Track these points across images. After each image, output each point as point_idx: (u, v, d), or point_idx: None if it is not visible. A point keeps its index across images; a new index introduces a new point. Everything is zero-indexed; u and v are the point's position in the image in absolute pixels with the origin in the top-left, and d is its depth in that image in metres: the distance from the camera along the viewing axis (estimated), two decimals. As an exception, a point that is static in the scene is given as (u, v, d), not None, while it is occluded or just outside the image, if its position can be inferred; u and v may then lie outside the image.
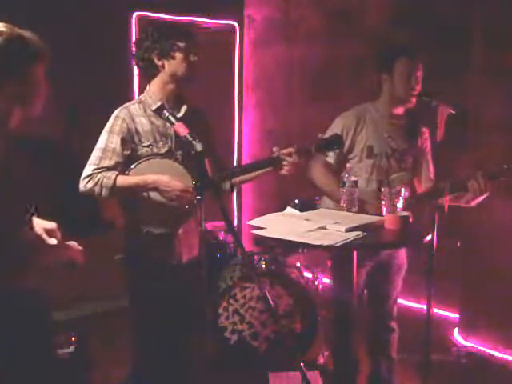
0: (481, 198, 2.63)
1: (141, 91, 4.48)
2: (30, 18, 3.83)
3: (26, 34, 1.81)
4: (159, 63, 2.48)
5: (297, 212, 2.46)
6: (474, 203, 2.65)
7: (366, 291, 2.99)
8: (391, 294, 3.01)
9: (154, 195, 2.43)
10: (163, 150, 2.48)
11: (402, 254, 3.00)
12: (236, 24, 5.04)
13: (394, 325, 3.03)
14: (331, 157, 2.82)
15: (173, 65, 2.48)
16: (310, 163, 2.86)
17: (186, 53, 2.48)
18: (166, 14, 4.38)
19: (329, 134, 2.60)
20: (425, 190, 2.90)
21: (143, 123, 2.48)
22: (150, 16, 4.45)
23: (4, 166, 1.78)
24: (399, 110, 2.87)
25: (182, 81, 2.52)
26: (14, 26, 1.81)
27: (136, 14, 4.42)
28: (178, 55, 2.47)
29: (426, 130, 2.95)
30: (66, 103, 3.77)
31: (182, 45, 2.47)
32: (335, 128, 2.85)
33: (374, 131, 2.85)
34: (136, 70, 4.33)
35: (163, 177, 2.38)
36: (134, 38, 4.38)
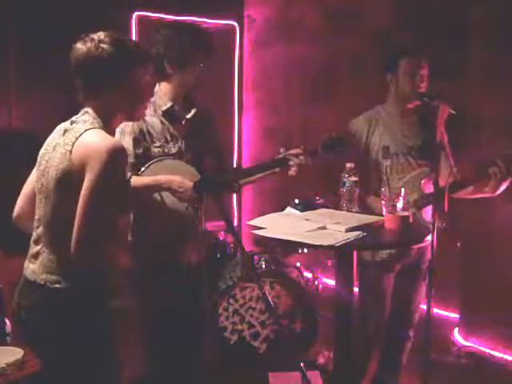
0: (505, 185, 2.64)
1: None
2: (29, 18, 3.85)
3: (127, 40, 1.92)
4: (170, 71, 2.48)
5: (297, 212, 2.46)
6: (499, 190, 2.66)
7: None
8: (415, 299, 2.95)
9: (165, 196, 2.43)
10: (173, 151, 2.49)
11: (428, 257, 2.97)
12: (236, 24, 5.04)
13: (411, 333, 2.99)
14: None
15: (182, 74, 2.48)
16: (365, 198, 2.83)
17: (197, 65, 2.47)
18: (166, 14, 4.37)
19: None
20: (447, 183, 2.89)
21: (154, 123, 2.48)
22: (150, 16, 4.45)
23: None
24: (409, 108, 2.86)
25: (189, 89, 2.52)
26: (114, 33, 1.90)
27: (136, 13, 4.41)
28: (189, 67, 2.47)
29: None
30: (66, 103, 3.77)
31: (196, 58, 2.46)
32: (348, 135, 2.84)
33: (388, 131, 2.85)
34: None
35: (176, 177, 2.37)
36: (134, 38, 4.38)
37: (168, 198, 2.43)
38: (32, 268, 1.91)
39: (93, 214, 1.78)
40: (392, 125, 2.87)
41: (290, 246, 3.49)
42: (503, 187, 2.66)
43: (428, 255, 2.93)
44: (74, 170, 1.81)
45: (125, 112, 1.96)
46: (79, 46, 1.89)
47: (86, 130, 1.85)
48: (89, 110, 1.92)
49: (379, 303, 2.86)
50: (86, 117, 1.90)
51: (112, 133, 1.94)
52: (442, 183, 2.91)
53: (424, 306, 2.51)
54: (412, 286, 2.93)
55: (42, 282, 1.87)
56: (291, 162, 2.48)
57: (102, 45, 1.85)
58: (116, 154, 1.80)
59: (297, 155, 2.48)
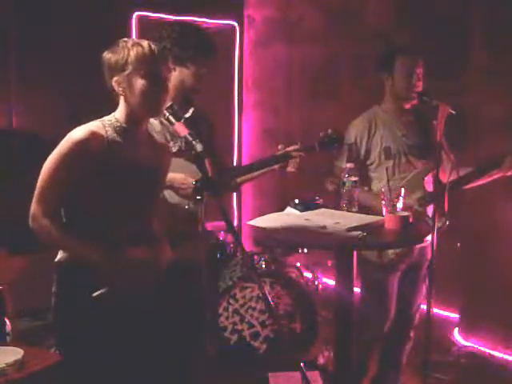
0: None
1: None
2: (29, 18, 3.85)
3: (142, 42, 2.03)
4: (171, 66, 2.48)
5: (297, 212, 2.46)
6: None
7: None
8: (416, 301, 2.96)
9: (168, 195, 2.43)
10: (174, 150, 2.49)
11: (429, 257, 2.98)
12: (236, 24, 5.04)
13: (411, 334, 2.99)
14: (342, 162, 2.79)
15: (183, 73, 2.48)
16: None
17: (200, 67, 2.48)
18: (166, 14, 4.38)
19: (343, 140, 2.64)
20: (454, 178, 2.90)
21: (154, 124, 2.48)
22: (149, 16, 4.45)
23: None
24: (405, 107, 2.87)
25: (187, 90, 2.52)
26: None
27: (136, 13, 4.41)
28: (191, 67, 2.47)
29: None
30: (66, 103, 3.77)
31: (199, 59, 2.46)
32: (348, 137, 2.85)
33: (388, 132, 2.86)
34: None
35: (178, 175, 2.39)
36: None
37: (170, 196, 2.43)
38: None
39: (38, 185, 1.91)
40: (391, 125, 2.87)
41: (291, 246, 3.49)
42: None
43: (429, 255, 2.94)
44: None
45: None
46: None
47: None
48: None
49: (384, 305, 2.86)
50: None
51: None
52: (444, 180, 2.93)
53: (424, 306, 2.51)
54: (413, 287, 2.93)
55: None
56: (289, 159, 2.51)
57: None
58: (68, 142, 1.91)
59: (295, 151, 2.51)
